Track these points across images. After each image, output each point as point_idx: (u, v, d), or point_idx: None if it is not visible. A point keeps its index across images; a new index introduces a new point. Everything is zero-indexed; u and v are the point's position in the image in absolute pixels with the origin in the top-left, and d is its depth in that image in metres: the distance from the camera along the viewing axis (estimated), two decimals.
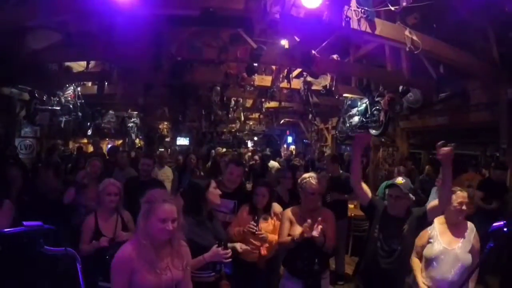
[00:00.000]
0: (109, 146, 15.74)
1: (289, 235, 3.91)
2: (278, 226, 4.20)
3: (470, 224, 3.80)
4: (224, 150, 15.84)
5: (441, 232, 3.78)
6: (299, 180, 4.22)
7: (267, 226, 4.28)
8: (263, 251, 4.10)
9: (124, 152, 8.13)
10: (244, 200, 4.43)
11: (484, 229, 3.65)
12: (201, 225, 3.37)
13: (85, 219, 4.18)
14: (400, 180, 3.77)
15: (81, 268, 2.21)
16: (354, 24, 5.03)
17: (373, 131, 9.03)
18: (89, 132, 14.17)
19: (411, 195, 3.71)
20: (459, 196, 3.74)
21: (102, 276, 3.80)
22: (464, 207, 3.69)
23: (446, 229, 3.79)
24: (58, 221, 5.31)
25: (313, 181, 4.00)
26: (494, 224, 2.12)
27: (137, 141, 19.36)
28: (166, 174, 7.77)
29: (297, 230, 3.85)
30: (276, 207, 4.49)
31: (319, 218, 3.65)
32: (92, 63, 9.88)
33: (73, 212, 5.26)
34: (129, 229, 4.19)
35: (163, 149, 13.58)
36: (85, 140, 15.84)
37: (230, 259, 3.27)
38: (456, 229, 3.75)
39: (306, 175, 4.20)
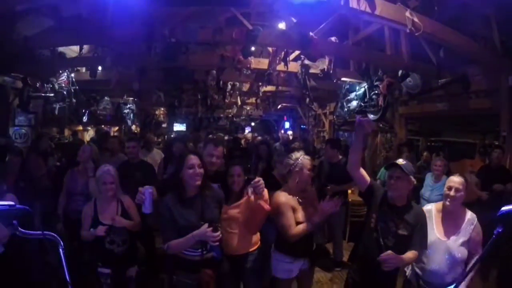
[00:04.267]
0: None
1: (297, 222, 3.81)
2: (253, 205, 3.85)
3: (470, 215, 3.62)
4: (227, 137, 15.79)
5: (437, 221, 3.66)
6: (291, 161, 4.08)
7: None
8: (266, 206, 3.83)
9: (115, 137, 7.99)
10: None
11: (484, 216, 3.59)
12: (185, 204, 3.32)
13: (85, 207, 4.28)
14: (401, 161, 3.59)
15: (63, 252, 2.06)
16: (353, 3, 4.90)
17: (371, 116, 8.92)
18: (85, 119, 14.02)
19: (412, 177, 3.53)
20: (450, 180, 3.62)
21: (101, 262, 4.05)
22: (453, 193, 3.52)
23: (443, 218, 3.66)
24: (49, 206, 5.41)
25: (307, 158, 4.04)
26: (504, 208, 1.99)
27: (133, 127, 19.25)
28: (154, 158, 7.53)
29: (300, 213, 3.85)
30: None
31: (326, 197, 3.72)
32: (85, 48, 9.71)
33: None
34: (130, 215, 4.24)
35: (150, 133, 13.40)
36: (81, 127, 15.74)
37: (217, 243, 3.26)
38: (453, 219, 3.61)
39: (297, 154, 4.12)
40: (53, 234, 2.03)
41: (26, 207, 1.79)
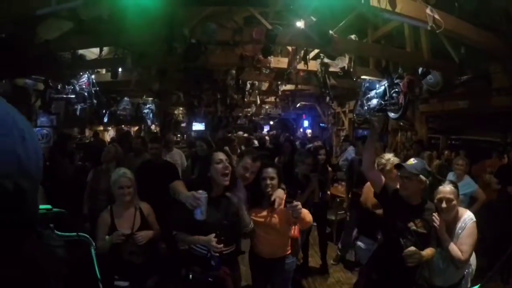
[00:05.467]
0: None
1: None
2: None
3: (467, 215, 3.59)
4: (246, 135, 15.77)
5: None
6: (383, 161, 4.38)
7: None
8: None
9: (138, 138, 8.03)
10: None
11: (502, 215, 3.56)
12: (211, 202, 3.29)
13: (100, 215, 3.94)
14: (411, 161, 3.63)
15: (95, 253, 2.11)
16: (373, 1, 4.86)
17: (391, 114, 8.84)
18: (105, 119, 14.21)
19: (422, 177, 3.52)
20: (439, 191, 3.57)
21: (118, 274, 3.69)
22: (445, 204, 3.48)
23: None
24: (74, 207, 5.50)
25: (397, 159, 4.33)
26: None
27: (152, 127, 19.41)
28: (174, 158, 7.47)
29: None
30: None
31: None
32: (105, 50, 9.82)
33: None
34: (149, 223, 3.99)
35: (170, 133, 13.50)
36: (101, 128, 15.94)
37: (216, 253, 3.24)
38: (450, 224, 3.59)
39: (388, 155, 4.51)
40: (86, 235, 2.09)
41: (62, 210, 1.83)
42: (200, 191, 3.23)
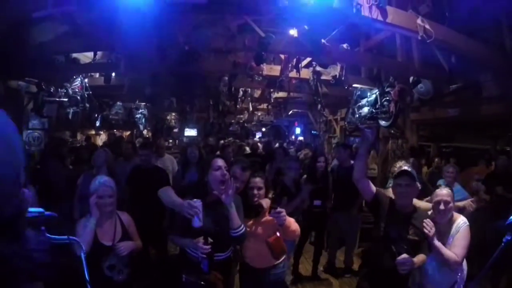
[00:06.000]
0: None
1: None
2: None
3: (461, 219, 3.64)
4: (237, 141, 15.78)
5: None
6: (395, 169, 4.25)
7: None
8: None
9: (129, 143, 8.03)
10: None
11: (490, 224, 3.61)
12: (206, 208, 3.30)
13: (79, 221, 3.66)
14: (407, 168, 3.67)
15: (85, 257, 2.12)
16: (365, 12, 4.92)
17: (382, 122, 8.91)
18: (97, 123, 14.17)
19: (418, 184, 3.59)
20: (437, 194, 3.61)
21: None
22: (442, 206, 3.53)
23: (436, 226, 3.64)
24: (64, 210, 5.48)
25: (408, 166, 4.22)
26: None
27: (145, 132, 19.36)
28: (165, 164, 7.48)
29: None
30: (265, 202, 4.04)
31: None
32: (99, 54, 9.83)
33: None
34: (129, 234, 3.73)
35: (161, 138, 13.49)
36: (93, 132, 15.89)
37: (204, 256, 3.26)
38: (445, 227, 3.62)
39: (400, 163, 4.60)
40: (76, 239, 2.10)
41: (53, 214, 1.85)
42: (195, 200, 3.26)
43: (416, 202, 3.81)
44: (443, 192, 3.60)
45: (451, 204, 3.57)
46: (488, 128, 9.23)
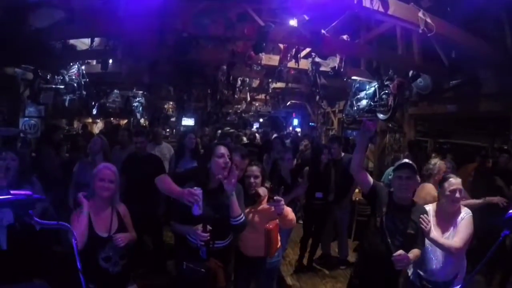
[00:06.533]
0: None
1: None
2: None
3: (465, 211, 3.67)
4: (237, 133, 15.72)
5: (434, 221, 3.69)
6: (430, 166, 4.80)
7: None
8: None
9: (125, 130, 7.97)
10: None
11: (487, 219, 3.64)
12: (207, 194, 3.29)
13: (74, 213, 3.44)
14: (407, 161, 3.69)
15: (76, 243, 2.07)
16: (366, 2, 4.88)
17: (380, 116, 8.89)
18: (94, 111, 14.10)
19: (418, 177, 3.62)
20: (452, 183, 3.62)
21: (94, 283, 3.21)
22: (457, 195, 3.57)
23: (440, 218, 3.71)
24: (61, 197, 5.46)
25: (442, 163, 4.89)
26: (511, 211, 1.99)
27: (142, 120, 19.30)
28: (162, 152, 7.40)
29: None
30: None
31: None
32: (96, 41, 9.73)
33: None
34: (125, 225, 3.63)
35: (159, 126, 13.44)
36: (90, 120, 15.81)
37: (203, 243, 3.23)
38: (450, 218, 3.66)
39: (435, 160, 4.96)
40: (67, 224, 2.05)
41: (42, 197, 1.80)
42: (196, 188, 3.24)
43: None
44: (457, 181, 3.65)
45: (462, 193, 3.69)
46: (487, 125, 9.19)
